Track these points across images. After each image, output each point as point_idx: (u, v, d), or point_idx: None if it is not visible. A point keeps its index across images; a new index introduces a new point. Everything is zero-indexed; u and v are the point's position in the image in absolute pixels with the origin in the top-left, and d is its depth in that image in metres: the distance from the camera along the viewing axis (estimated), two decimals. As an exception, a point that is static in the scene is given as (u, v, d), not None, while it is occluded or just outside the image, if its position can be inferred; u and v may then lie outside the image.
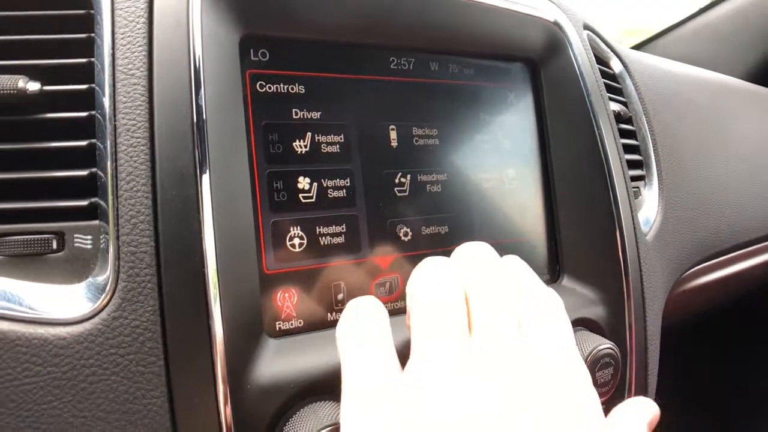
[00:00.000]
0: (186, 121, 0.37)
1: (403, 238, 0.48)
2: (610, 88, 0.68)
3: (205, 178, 0.37)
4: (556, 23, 0.57)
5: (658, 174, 0.68)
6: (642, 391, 0.56)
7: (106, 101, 0.37)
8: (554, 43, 0.57)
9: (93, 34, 0.39)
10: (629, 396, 0.54)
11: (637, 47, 1.37)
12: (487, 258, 0.38)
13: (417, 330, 0.33)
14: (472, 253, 0.39)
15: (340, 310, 0.45)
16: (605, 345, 0.49)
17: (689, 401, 1.37)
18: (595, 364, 0.48)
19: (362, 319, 0.36)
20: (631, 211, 0.56)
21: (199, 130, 0.37)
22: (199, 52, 0.39)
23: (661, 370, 0.61)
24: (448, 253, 0.49)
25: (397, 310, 0.47)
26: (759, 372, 1.26)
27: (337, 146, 0.46)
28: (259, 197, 0.42)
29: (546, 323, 0.34)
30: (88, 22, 0.40)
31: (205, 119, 0.38)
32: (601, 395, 0.49)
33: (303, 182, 0.45)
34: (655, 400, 0.58)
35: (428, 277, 0.36)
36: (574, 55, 0.57)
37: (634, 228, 0.57)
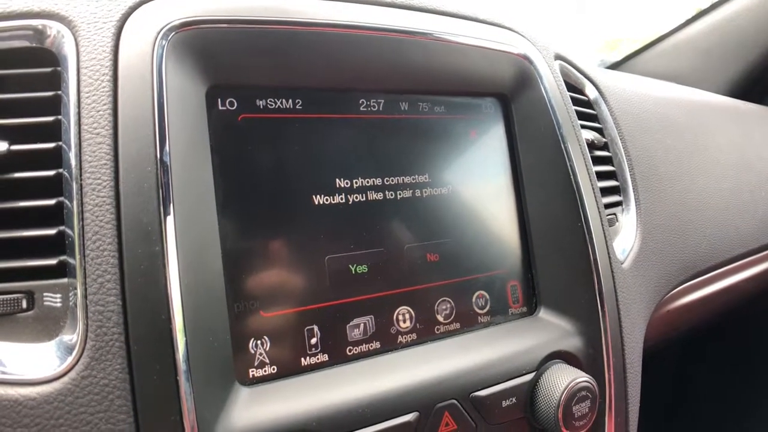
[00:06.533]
0: (151, 177, 0.38)
1: (378, 278, 0.49)
2: (585, 115, 0.68)
3: (171, 234, 0.37)
4: (525, 57, 0.57)
5: (635, 199, 0.69)
6: (622, 419, 0.56)
7: (73, 160, 0.38)
8: (524, 76, 0.57)
9: (60, 92, 0.40)
10: (609, 427, 0.54)
11: (619, 63, 1.38)
12: None
13: None
14: None
15: (314, 355, 0.45)
16: (582, 378, 0.49)
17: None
18: (571, 398, 0.48)
19: None
20: (606, 241, 0.57)
21: (164, 186, 0.38)
22: (163, 107, 0.39)
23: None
24: (426, 290, 0.49)
25: (372, 351, 0.47)
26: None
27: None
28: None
29: None
30: (55, 80, 0.40)
31: (170, 174, 0.38)
32: (579, 428, 0.49)
33: None
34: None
35: None
36: (545, 87, 0.57)
37: (609, 257, 0.57)
